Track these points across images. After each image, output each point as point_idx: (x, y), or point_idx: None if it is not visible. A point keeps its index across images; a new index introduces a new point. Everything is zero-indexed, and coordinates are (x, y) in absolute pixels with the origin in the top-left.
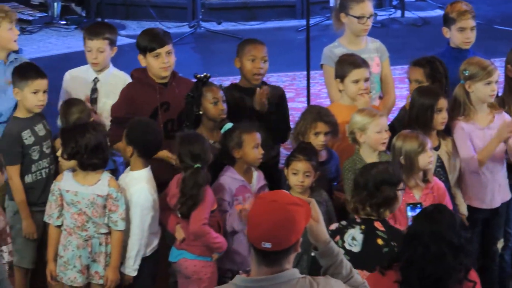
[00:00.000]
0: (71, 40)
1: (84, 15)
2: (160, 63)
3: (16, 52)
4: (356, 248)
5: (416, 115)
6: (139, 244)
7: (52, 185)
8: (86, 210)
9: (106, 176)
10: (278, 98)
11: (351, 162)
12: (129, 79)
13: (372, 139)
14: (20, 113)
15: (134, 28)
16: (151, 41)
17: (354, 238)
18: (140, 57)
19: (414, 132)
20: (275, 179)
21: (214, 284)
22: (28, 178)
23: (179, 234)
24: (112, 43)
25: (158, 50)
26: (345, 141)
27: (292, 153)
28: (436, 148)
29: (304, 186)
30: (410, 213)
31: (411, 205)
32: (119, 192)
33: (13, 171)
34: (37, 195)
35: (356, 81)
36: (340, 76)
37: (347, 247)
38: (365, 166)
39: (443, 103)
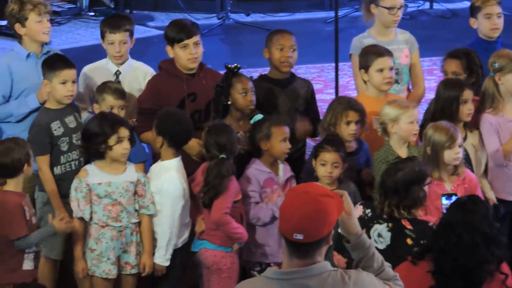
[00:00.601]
0: (100, 32)
1: (112, 6)
2: (188, 54)
3: (48, 44)
4: (382, 246)
5: (441, 107)
6: (170, 233)
7: (75, 182)
8: (121, 200)
9: (130, 163)
10: (311, 93)
11: (383, 153)
12: (149, 69)
13: (404, 130)
14: (50, 104)
15: (163, 19)
16: (179, 32)
17: (381, 235)
18: (168, 48)
19: (448, 124)
20: (301, 170)
21: (235, 275)
22: (57, 170)
23: (200, 226)
24: (132, 34)
25: (186, 41)
26: (371, 132)
27: (320, 144)
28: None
29: (333, 177)
30: (445, 202)
31: (446, 195)
32: (145, 177)
33: (42, 162)
34: (67, 187)
35: (381, 70)
36: (364, 66)
37: (373, 243)
38: (390, 168)
39: (468, 94)
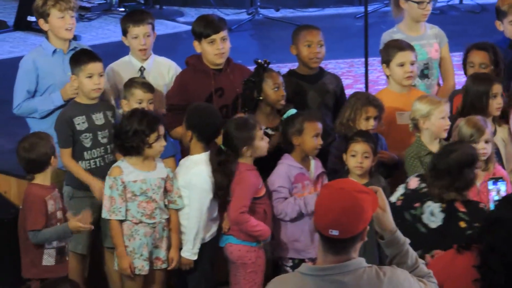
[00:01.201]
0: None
1: (142, 2)
2: (215, 49)
3: (75, 40)
4: (433, 224)
5: (471, 102)
6: (198, 227)
7: (109, 180)
8: (155, 197)
9: (158, 159)
10: (340, 88)
11: (415, 149)
12: (172, 63)
13: (436, 126)
14: (80, 99)
15: (192, 15)
16: (206, 27)
17: (433, 213)
18: (195, 43)
19: (479, 119)
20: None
21: (260, 269)
22: (82, 165)
23: (226, 223)
24: (153, 28)
25: (213, 36)
26: (393, 128)
27: (350, 136)
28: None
29: (363, 168)
30: (491, 187)
31: (493, 180)
32: (172, 172)
33: (63, 154)
34: (84, 182)
35: (402, 64)
36: (386, 60)
37: (425, 220)
38: (442, 151)
39: (497, 88)
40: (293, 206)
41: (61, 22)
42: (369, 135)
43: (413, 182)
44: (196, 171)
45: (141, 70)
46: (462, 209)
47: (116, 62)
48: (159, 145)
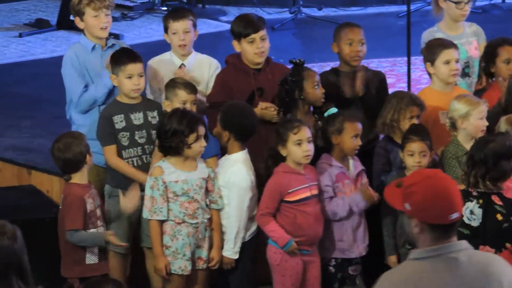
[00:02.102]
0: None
1: (185, 1)
2: (255, 49)
3: (116, 38)
4: (475, 223)
5: None
6: (238, 226)
7: (150, 181)
8: (196, 197)
9: (199, 159)
10: (379, 83)
11: (452, 149)
12: (213, 61)
13: (474, 126)
14: (120, 97)
15: (235, 14)
16: (246, 27)
17: (473, 212)
18: (235, 43)
19: None
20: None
21: (288, 273)
22: None
23: None
24: (195, 25)
25: (253, 36)
26: (436, 127)
27: (405, 135)
28: None
29: (422, 166)
30: None
31: None
32: (213, 172)
33: (107, 152)
34: (127, 181)
35: (447, 62)
36: (430, 59)
37: (466, 221)
38: (481, 140)
39: None
40: (343, 206)
41: (95, 21)
42: (423, 132)
43: None
44: (234, 170)
45: (181, 67)
46: (499, 202)
47: (155, 58)
48: (199, 146)
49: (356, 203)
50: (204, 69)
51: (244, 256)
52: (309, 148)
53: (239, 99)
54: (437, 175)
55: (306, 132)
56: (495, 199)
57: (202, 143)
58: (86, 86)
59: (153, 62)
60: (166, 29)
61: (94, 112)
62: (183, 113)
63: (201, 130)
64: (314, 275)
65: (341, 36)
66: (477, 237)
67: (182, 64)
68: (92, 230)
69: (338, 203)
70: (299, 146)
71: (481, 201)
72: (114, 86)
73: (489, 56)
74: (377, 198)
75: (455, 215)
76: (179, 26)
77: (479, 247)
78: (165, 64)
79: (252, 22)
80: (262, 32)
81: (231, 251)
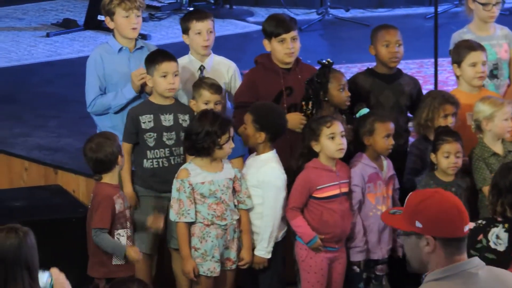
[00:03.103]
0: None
1: (212, 1)
2: (285, 49)
3: (144, 39)
4: (501, 247)
5: None
6: (272, 225)
7: (176, 183)
8: (224, 198)
9: (225, 160)
10: (417, 91)
11: (479, 151)
12: (231, 63)
13: (499, 127)
14: (153, 98)
15: (263, 15)
16: (277, 26)
17: (499, 237)
18: (265, 42)
19: None
20: (403, 167)
21: (313, 270)
22: (146, 163)
23: None
24: (213, 27)
25: (284, 36)
26: (464, 128)
27: (438, 137)
28: None
29: (458, 167)
30: None
31: None
32: (240, 172)
33: (124, 148)
34: (155, 182)
35: (474, 64)
36: (457, 61)
37: (492, 246)
38: (504, 167)
39: None
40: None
41: (126, 21)
42: (456, 133)
43: (469, 224)
44: (268, 169)
45: (201, 69)
46: None
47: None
48: (229, 147)
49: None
50: (223, 71)
51: (276, 256)
52: (343, 142)
53: (266, 98)
54: (440, 191)
55: (339, 126)
56: None
57: (232, 144)
58: (104, 90)
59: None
60: (186, 31)
61: (116, 117)
62: (215, 115)
63: (232, 131)
64: (339, 271)
65: (377, 38)
66: (503, 261)
67: (202, 65)
68: (120, 230)
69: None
70: (332, 140)
71: (507, 225)
72: (139, 94)
73: None
74: None
75: (467, 227)
76: (203, 26)
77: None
78: (186, 66)
79: (284, 22)
80: (293, 33)
81: (264, 250)
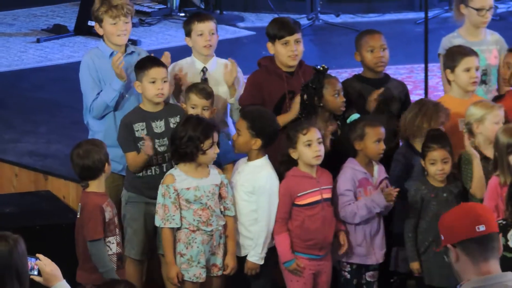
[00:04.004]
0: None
1: (202, 7)
2: (289, 51)
3: (134, 44)
4: None
5: None
6: (267, 231)
7: (162, 189)
8: (210, 203)
9: (212, 166)
10: (405, 94)
11: (468, 154)
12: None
13: (490, 130)
14: (143, 105)
15: (253, 20)
16: (281, 29)
17: None
18: (269, 45)
19: None
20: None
21: (295, 279)
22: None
23: None
24: (216, 30)
25: (287, 38)
26: (456, 134)
27: (425, 143)
28: None
29: (445, 173)
30: None
31: None
32: (226, 179)
33: (129, 158)
34: (145, 188)
35: (468, 70)
36: (451, 66)
37: (511, 245)
38: None
39: None
40: (363, 207)
41: (113, 28)
42: (443, 138)
43: None
44: (263, 175)
45: (204, 70)
46: None
47: (178, 61)
48: (213, 152)
49: (376, 203)
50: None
51: (269, 262)
52: (319, 149)
53: (270, 101)
54: (464, 204)
55: (315, 133)
56: None
57: (216, 149)
58: (99, 93)
59: (176, 65)
60: (189, 33)
61: (109, 118)
62: (198, 120)
63: (216, 136)
64: (324, 280)
65: (362, 44)
66: None
67: (204, 67)
68: (110, 238)
69: (358, 204)
70: (309, 147)
71: None
72: (131, 89)
73: None
74: (396, 194)
75: (482, 227)
76: (205, 27)
77: None
78: (188, 67)
79: (288, 25)
80: (297, 35)
81: (258, 256)
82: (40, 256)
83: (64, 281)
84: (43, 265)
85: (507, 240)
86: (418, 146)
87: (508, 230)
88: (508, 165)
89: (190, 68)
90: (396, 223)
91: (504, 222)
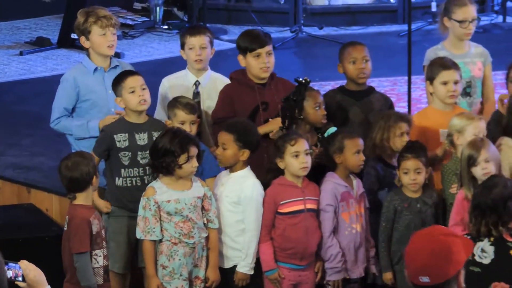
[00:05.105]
0: (173, 45)
1: (186, 19)
2: (260, 63)
3: (117, 57)
4: (486, 260)
5: None
6: (257, 241)
7: (143, 201)
8: (191, 216)
9: (195, 178)
10: (388, 108)
11: (452, 165)
12: (229, 81)
13: None
14: (127, 117)
15: (236, 32)
16: (252, 41)
17: (484, 250)
18: (240, 58)
19: (479, 140)
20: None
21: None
22: (119, 181)
23: None
24: (212, 43)
25: (259, 50)
26: (437, 145)
27: (400, 153)
28: None
29: (418, 184)
30: None
31: None
32: (210, 191)
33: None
34: (126, 200)
35: (445, 83)
36: (430, 77)
37: (477, 259)
38: (483, 187)
39: None
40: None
41: (102, 39)
42: (419, 148)
43: None
44: (249, 185)
45: (196, 84)
46: (510, 239)
47: (171, 75)
48: (190, 166)
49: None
50: (219, 87)
51: (258, 272)
52: (306, 160)
53: (242, 113)
54: (437, 234)
55: (303, 144)
56: (507, 236)
57: (194, 163)
58: (72, 111)
59: (168, 79)
60: (182, 45)
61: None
62: (175, 133)
63: (193, 150)
64: None
65: (344, 56)
66: (488, 274)
67: (197, 81)
68: (97, 251)
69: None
70: (296, 158)
71: (492, 239)
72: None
73: (507, 74)
74: None
75: (425, 279)
76: (196, 41)
77: (492, 284)
78: (181, 81)
79: (258, 37)
80: (268, 47)
81: (248, 266)
82: (24, 262)
83: (49, 287)
84: (27, 271)
85: (473, 255)
86: (387, 157)
87: (474, 244)
88: (470, 178)
89: (183, 81)
90: (371, 235)
91: (468, 238)
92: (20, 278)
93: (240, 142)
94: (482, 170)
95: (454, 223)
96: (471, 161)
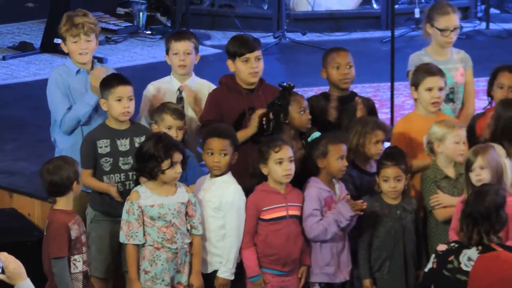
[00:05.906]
0: (156, 50)
1: (169, 25)
2: (249, 68)
3: (100, 62)
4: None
5: (502, 127)
6: (237, 246)
7: (126, 205)
8: (174, 221)
9: (180, 184)
10: (370, 110)
11: (431, 173)
12: (213, 87)
13: (450, 150)
14: (109, 122)
15: (219, 38)
16: (241, 46)
17: (470, 258)
18: (229, 62)
19: (481, 146)
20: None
21: None
22: None
23: None
24: (196, 49)
25: (248, 55)
26: (421, 151)
27: (380, 160)
28: None
29: (397, 191)
30: None
31: None
32: (195, 197)
33: (83, 174)
34: (109, 206)
35: (429, 89)
36: (415, 84)
37: (464, 267)
38: (475, 195)
39: None
40: (332, 221)
41: (75, 46)
42: (399, 155)
43: (441, 246)
44: (231, 191)
45: (180, 90)
46: (498, 248)
47: (156, 81)
48: (174, 172)
49: (342, 215)
50: (204, 92)
51: (240, 277)
52: (290, 168)
53: (230, 118)
54: (507, 259)
55: (287, 151)
56: (494, 245)
57: (178, 169)
58: (69, 108)
59: (153, 84)
60: (167, 51)
61: (76, 134)
62: (159, 138)
63: (177, 156)
64: None
65: (328, 61)
66: None
67: (181, 86)
68: (76, 256)
69: (327, 220)
70: (280, 164)
71: (480, 247)
72: (97, 106)
73: (490, 78)
74: (363, 206)
75: None
76: (180, 46)
77: None
78: (165, 87)
79: (247, 42)
80: (257, 53)
81: (229, 272)
82: (3, 254)
83: (29, 280)
84: (6, 263)
85: (459, 263)
86: (361, 164)
87: (460, 252)
88: (470, 182)
89: (167, 86)
90: (351, 241)
91: (456, 245)
92: (0, 270)
93: (234, 146)
94: (476, 177)
95: (456, 226)
96: (468, 166)
